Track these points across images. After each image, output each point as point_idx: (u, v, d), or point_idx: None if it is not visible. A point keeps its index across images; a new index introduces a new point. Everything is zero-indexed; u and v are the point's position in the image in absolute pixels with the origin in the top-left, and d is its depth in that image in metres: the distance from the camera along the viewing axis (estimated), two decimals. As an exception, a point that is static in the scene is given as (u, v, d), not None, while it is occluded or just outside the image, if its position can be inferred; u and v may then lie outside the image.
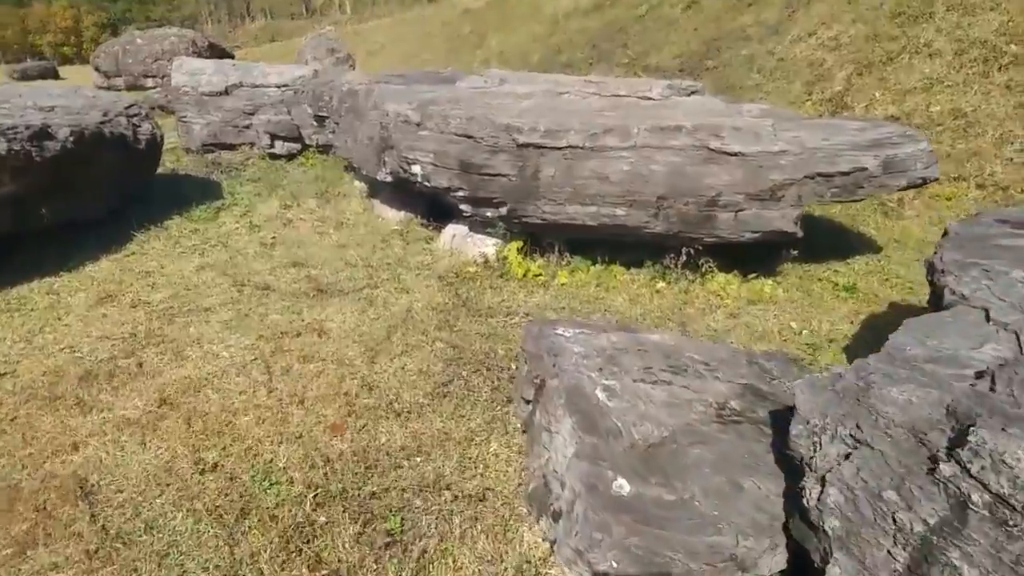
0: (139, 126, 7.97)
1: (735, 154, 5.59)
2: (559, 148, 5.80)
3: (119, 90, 21.54)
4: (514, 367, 4.56)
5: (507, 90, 7.42)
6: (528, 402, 3.62)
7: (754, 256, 6.24)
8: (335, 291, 6.00)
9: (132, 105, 8.19)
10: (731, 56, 13.73)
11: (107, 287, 6.04)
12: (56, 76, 32.19)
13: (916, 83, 9.89)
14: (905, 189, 5.88)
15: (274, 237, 7.39)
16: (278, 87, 11.55)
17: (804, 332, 5.24)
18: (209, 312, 5.58)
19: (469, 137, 6.10)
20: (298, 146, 11.34)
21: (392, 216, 7.81)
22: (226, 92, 11.50)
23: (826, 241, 6.96)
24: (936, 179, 5.85)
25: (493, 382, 4.42)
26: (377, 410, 4.16)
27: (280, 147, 11.31)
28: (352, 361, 4.78)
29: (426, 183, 6.33)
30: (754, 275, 6.10)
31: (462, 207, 6.25)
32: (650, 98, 7.04)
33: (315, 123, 10.29)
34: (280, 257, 6.81)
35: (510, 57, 22.24)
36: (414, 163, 6.34)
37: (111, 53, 22.45)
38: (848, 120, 7.03)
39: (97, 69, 22.88)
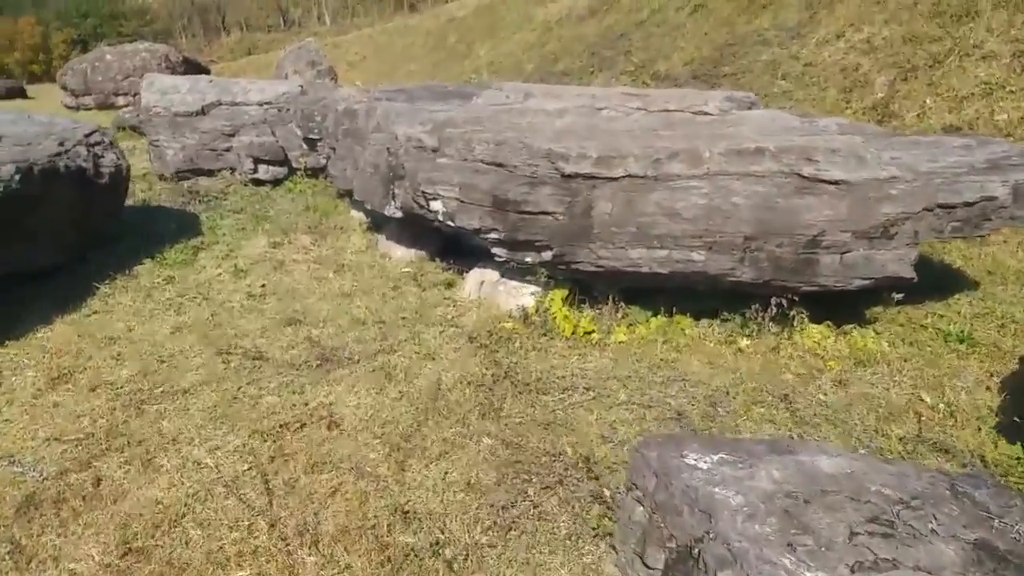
0: (101, 156, 6.81)
1: (836, 183, 4.54)
2: (615, 179, 4.72)
3: (88, 109, 20.32)
4: (593, 482, 3.47)
5: (535, 106, 6.35)
6: (651, 567, 2.53)
7: (845, 300, 5.22)
8: (343, 359, 4.88)
9: (93, 132, 7.01)
10: (750, 62, 12.74)
11: (62, 362, 4.88)
12: (24, 95, 30.77)
13: (973, 88, 8.92)
14: (1040, 222, 4.85)
15: (263, 285, 6.25)
16: (260, 105, 10.41)
17: (941, 406, 4.19)
18: (188, 395, 4.45)
19: (500, 166, 5.01)
20: (284, 170, 10.19)
21: (401, 255, 6.70)
22: (202, 112, 10.35)
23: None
24: (1073, 208, 4.82)
25: (571, 506, 3.32)
26: (421, 557, 3.05)
27: (264, 172, 10.15)
28: (376, 468, 3.67)
29: (449, 222, 5.23)
30: (851, 325, 5.05)
31: (496, 251, 5.15)
32: (707, 113, 5.99)
33: (304, 145, 9.16)
34: (272, 312, 5.69)
35: (501, 67, 21.21)
36: (434, 198, 5.24)
37: (79, 71, 21.17)
38: (947, 136, 6.01)
39: (64, 88, 21.60)
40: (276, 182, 10.11)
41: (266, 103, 10.41)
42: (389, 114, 6.43)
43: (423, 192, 5.30)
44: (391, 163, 6.02)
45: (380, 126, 6.45)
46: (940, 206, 4.60)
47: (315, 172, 10.12)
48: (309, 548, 3.12)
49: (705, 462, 2.55)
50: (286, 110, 10.23)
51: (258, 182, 10.03)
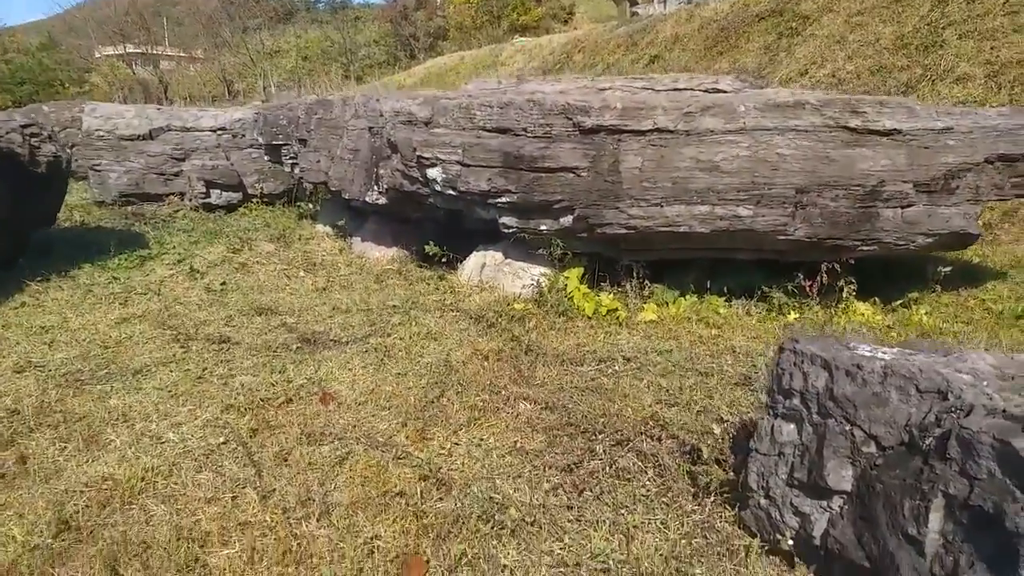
0: (38, 147, 5.97)
1: (888, 133, 4.09)
2: (643, 132, 4.18)
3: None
4: (673, 440, 2.77)
5: (531, 88, 5.83)
6: (830, 488, 1.82)
7: (887, 278, 4.73)
8: (327, 342, 4.11)
9: (31, 124, 6.19)
10: (716, 100, 12.63)
11: (-23, 349, 4.00)
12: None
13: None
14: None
15: (224, 283, 5.45)
16: (213, 131, 9.74)
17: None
18: (140, 376, 3.60)
19: (506, 131, 4.43)
20: (239, 195, 9.41)
21: (380, 255, 5.98)
22: (150, 136, 9.60)
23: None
24: None
25: (657, 460, 2.60)
26: (470, 521, 2.28)
27: (217, 197, 9.35)
28: (390, 438, 2.90)
29: (450, 190, 4.58)
30: (897, 302, 4.54)
31: (505, 220, 4.50)
32: (720, 90, 5.56)
33: (267, 158, 8.39)
34: (237, 304, 4.89)
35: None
36: (431, 164, 4.60)
37: (11, 121, 20.02)
38: (977, 108, 5.68)
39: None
40: (230, 207, 9.31)
41: (220, 129, 9.74)
42: (370, 98, 5.83)
43: (419, 158, 4.65)
44: (375, 144, 5.39)
45: (359, 112, 5.83)
46: (1000, 158, 4.17)
47: (272, 199, 9.39)
48: (318, 520, 2.32)
49: (884, 353, 1.91)
50: (241, 135, 9.57)
51: (210, 207, 9.19)
